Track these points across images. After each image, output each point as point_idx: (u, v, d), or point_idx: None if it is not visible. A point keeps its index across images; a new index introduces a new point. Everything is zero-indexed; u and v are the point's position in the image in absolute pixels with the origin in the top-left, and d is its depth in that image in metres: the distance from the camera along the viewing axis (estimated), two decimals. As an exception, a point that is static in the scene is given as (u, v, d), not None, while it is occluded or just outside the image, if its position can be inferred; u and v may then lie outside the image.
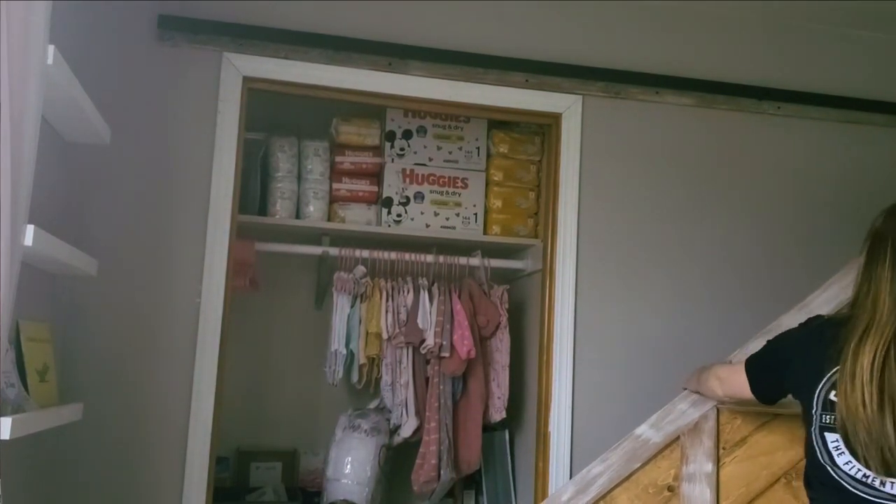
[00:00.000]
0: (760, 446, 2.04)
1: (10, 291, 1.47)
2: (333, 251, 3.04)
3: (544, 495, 2.63)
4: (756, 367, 1.83)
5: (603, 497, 1.98)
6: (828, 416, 1.59)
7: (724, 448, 2.03)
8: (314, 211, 3.04)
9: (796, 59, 3.00)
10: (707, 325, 2.78)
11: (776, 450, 2.02)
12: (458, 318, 2.97)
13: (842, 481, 1.57)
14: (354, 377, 3.03)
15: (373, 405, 3.16)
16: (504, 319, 3.08)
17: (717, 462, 2.01)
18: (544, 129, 3.04)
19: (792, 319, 1.97)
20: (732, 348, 2.10)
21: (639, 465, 2.00)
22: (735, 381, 1.87)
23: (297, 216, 3.04)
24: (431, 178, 3.12)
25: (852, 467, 1.56)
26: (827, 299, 2.07)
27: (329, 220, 3.05)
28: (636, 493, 1.99)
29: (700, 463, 2.00)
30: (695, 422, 2.03)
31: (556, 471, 2.67)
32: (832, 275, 2.11)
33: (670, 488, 2.00)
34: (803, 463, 1.73)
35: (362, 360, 2.98)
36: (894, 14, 2.89)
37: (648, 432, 2.03)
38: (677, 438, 2.03)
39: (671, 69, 2.87)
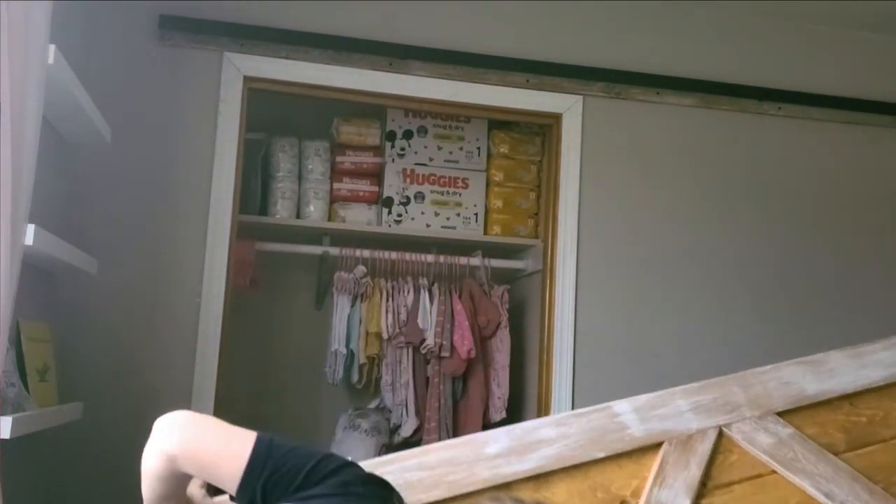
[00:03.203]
0: (747, 502, 1.54)
1: (10, 291, 1.47)
2: (334, 251, 3.04)
3: (544, 495, 2.62)
4: None
5: (537, 477, 1.46)
6: None
7: (704, 485, 1.53)
8: (315, 211, 3.04)
9: (797, 60, 3.00)
10: (707, 325, 2.77)
11: None
12: (458, 318, 2.97)
13: None
14: (354, 377, 3.03)
15: (373, 405, 3.15)
16: (504, 319, 3.08)
17: (695, 501, 1.51)
18: (545, 129, 3.04)
19: (840, 362, 1.63)
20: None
21: (601, 455, 1.49)
22: None
23: (298, 216, 3.04)
24: (432, 178, 3.12)
25: None
26: (888, 360, 1.65)
27: (329, 220, 3.05)
28: (579, 490, 1.47)
29: (676, 493, 1.49)
30: (689, 434, 1.53)
31: (556, 471, 2.67)
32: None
33: (623, 503, 1.50)
34: None
35: (362, 360, 2.99)
36: (894, 14, 2.89)
37: (629, 417, 1.53)
38: (660, 444, 1.52)
39: (672, 69, 2.87)
